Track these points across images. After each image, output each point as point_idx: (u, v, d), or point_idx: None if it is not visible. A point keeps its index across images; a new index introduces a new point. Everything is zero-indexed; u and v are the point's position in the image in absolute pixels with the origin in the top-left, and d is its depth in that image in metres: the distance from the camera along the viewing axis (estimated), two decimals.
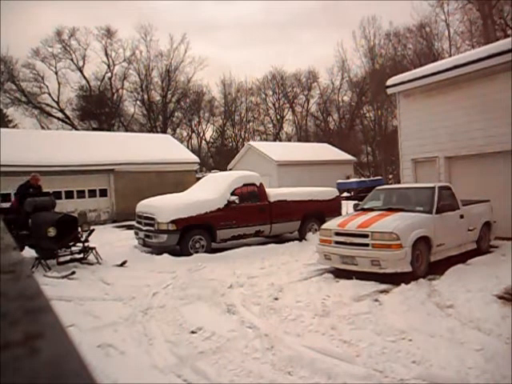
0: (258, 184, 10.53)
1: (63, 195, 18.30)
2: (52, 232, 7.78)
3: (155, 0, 54.52)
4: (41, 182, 9.57)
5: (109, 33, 43.56)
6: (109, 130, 40.28)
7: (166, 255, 8.76)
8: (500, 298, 5.24)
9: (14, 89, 39.94)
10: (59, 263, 8.04)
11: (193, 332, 4.64)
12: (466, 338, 4.14)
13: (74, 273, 7.44)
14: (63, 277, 7.24)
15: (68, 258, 8.29)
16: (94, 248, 8.48)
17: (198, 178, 15.65)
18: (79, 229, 8.50)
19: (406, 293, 5.66)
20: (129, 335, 4.59)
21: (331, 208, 11.06)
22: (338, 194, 12.15)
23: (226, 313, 5.29)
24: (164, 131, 42.10)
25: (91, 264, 8.30)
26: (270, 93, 51.15)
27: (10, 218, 8.37)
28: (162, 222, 9.05)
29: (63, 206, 17.96)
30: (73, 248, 8.46)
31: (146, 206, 10.06)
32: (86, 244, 8.50)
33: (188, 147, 39.01)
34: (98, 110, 43.39)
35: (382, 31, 42.34)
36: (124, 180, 18.86)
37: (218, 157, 47.71)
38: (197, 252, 9.12)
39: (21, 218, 8.45)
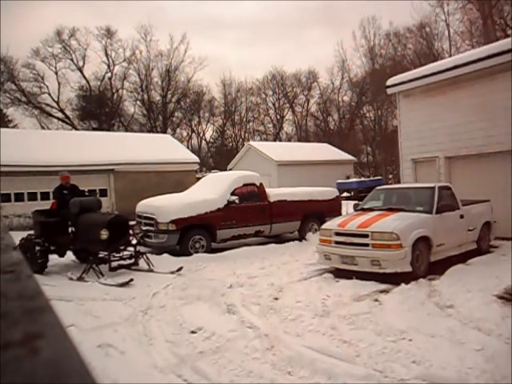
0: (257, 184, 10.53)
1: None
2: (104, 235, 7.14)
3: (155, 0, 54.52)
4: (71, 180, 8.77)
5: (109, 33, 43.60)
6: (109, 130, 40.28)
7: (165, 255, 8.75)
8: (500, 298, 5.24)
9: (13, 89, 39.96)
10: (111, 269, 7.37)
11: (193, 332, 4.64)
12: (466, 338, 4.14)
13: (132, 280, 6.73)
14: (120, 285, 6.61)
15: (117, 263, 7.63)
16: (144, 253, 7.87)
17: (198, 178, 15.64)
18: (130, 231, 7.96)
19: (406, 293, 5.66)
20: (129, 335, 4.59)
21: (331, 208, 11.06)
22: (337, 193, 12.16)
23: (225, 313, 5.28)
24: (164, 131, 42.10)
25: (142, 271, 7.60)
26: (270, 93, 51.20)
27: (50, 221, 8.02)
28: (162, 222, 9.05)
29: None
30: (120, 253, 7.76)
31: (146, 206, 10.05)
32: (138, 248, 7.87)
33: (188, 147, 38.99)
34: (98, 110, 43.39)
35: (382, 31, 42.41)
36: (124, 180, 18.87)
37: (218, 157, 47.69)
38: (197, 252, 9.12)
39: (61, 221, 8.05)
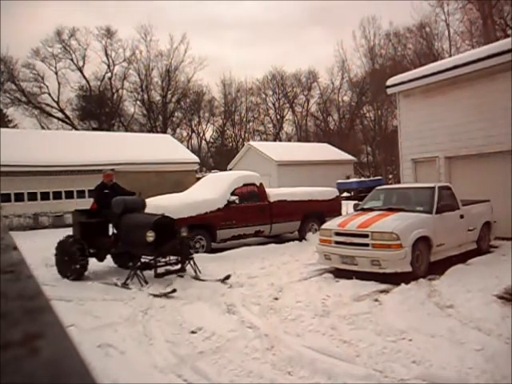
0: (257, 184, 10.53)
1: (63, 195, 18.31)
2: (151, 237, 6.55)
3: (155, 0, 54.54)
4: (114, 179, 8.25)
5: (109, 33, 43.70)
6: (109, 130, 40.30)
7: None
8: (500, 298, 5.24)
9: (13, 89, 40.04)
10: (157, 275, 6.78)
11: (193, 332, 4.64)
12: (466, 338, 4.14)
13: (175, 290, 6.10)
14: (164, 295, 6.01)
15: (164, 269, 7.04)
16: (192, 258, 7.13)
17: (198, 178, 15.65)
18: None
19: (406, 293, 5.66)
20: (129, 335, 4.59)
21: (331, 208, 11.06)
22: (337, 193, 12.15)
23: (225, 313, 5.28)
24: (164, 131, 42.13)
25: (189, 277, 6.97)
26: (270, 93, 51.27)
27: (91, 222, 7.58)
28: None
29: (63, 205, 17.99)
30: (166, 257, 7.12)
31: (146, 206, 10.03)
32: (184, 253, 7.17)
33: (188, 147, 39.01)
34: (98, 110, 43.43)
35: (382, 31, 42.50)
36: (124, 180, 18.82)
37: (218, 157, 47.72)
38: (197, 252, 9.09)
39: (102, 222, 7.64)
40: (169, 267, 7.03)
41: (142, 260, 6.94)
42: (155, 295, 6.02)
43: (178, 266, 7.04)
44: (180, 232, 7.19)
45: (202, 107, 49.38)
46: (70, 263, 7.23)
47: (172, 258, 7.05)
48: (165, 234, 6.78)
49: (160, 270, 6.90)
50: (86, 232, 7.51)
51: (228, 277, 6.79)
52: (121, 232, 7.32)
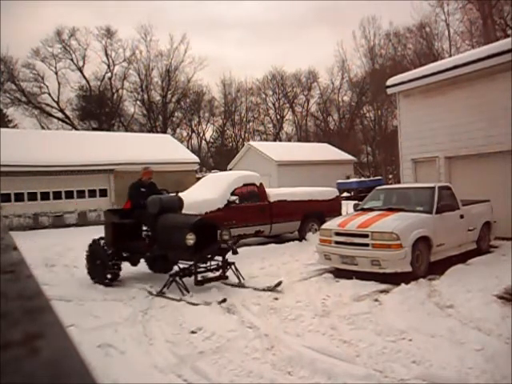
0: (257, 184, 10.52)
1: (63, 195, 18.32)
2: (191, 240, 5.96)
3: (155, 0, 54.54)
4: (152, 177, 7.64)
5: (109, 33, 43.64)
6: (109, 130, 40.28)
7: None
8: (500, 298, 5.24)
9: (13, 89, 40.01)
10: (198, 283, 6.12)
11: (193, 332, 4.64)
12: (466, 338, 4.14)
13: (225, 300, 5.64)
14: (208, 304, 5.52)
15: (201, 276, 6.42)
16: (233, 263, 6.51)
17: (198, 178, 15.64)
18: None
19: (406, 293, 5.66)
20: (129, 335, 4.59)
21: (331, 208, 11.05)
22: (337, 193, 12.15)
23: (225, 313, 5.29)
24: (164, 131, 42.10)
25: (231, 285, 6.43)
26: (270, 93, 51.23)
27: (125, 223, 7.06)
28: None
29: (63, 205, 18.01)
30: (207, 262, 6.48)
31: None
32: (226, 258, 6.50)
33: (188, 147, 38.98)
34: (98, 110, 43.41)
35: (382, 31, 42.45)
36: (124, 180, 18.85)
37: (218, 157, 47.70)
38: None
39: (136, 223, 7.13)
40: (209, 273, 6.42)
41: (180, 265, 6.30)
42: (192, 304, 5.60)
43: (219, 273, 6.44)
44: (222, 234, 6.65)
45: (202, 107, 49.37)
46: (103, 267, 6.78)
47: (213, 263, 6.44)
48: (206, 236, 6.19)
49: (199, 277, 6.29)
50: (119, 234, 6.94)
51: (279, 283, 6.16)
52: (157, 234, 6.65)
